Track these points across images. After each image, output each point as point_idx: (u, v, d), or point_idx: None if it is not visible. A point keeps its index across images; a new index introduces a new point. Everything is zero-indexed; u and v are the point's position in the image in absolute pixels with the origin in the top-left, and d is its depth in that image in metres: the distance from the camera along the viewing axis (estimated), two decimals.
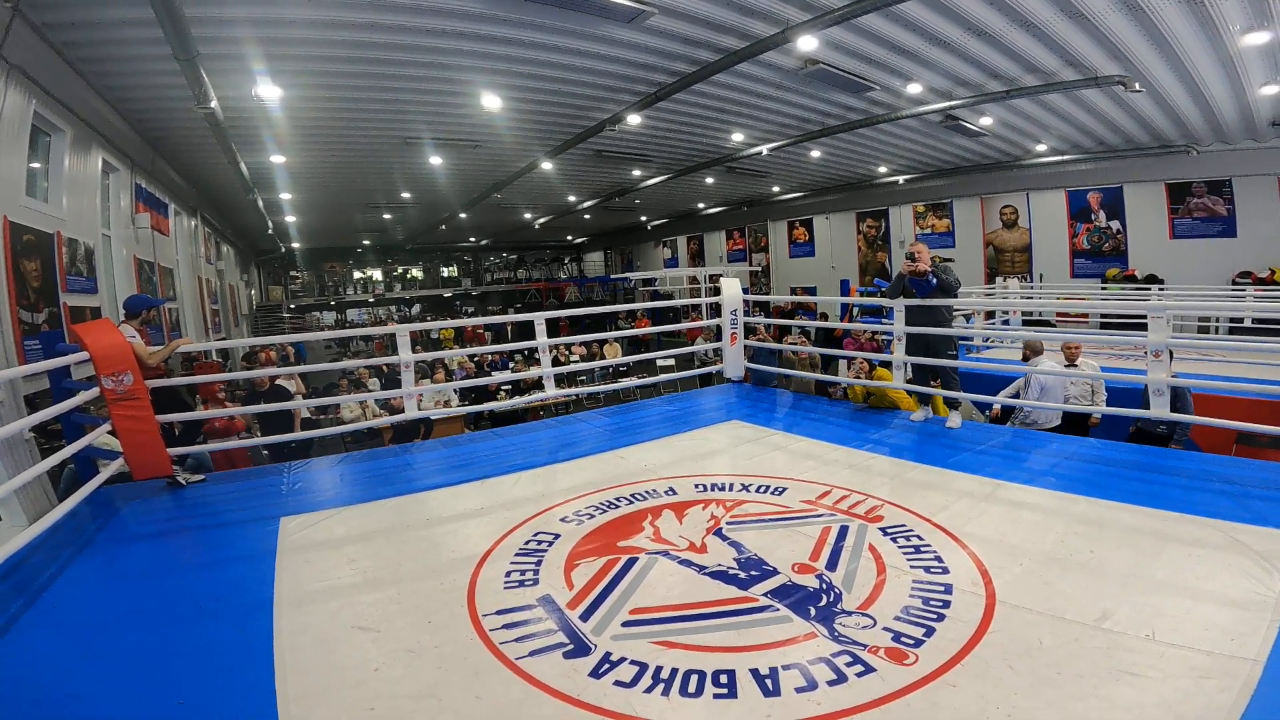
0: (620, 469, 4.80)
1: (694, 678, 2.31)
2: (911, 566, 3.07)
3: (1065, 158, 14.78)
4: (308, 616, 2.83)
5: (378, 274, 33.82)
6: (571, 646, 2.54)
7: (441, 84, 9.11)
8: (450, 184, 16.27)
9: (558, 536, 3.60)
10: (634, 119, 10.82)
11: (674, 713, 2.15)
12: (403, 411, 5.82)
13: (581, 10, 7.00)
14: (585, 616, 2.76)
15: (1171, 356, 4.89)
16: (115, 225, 9.12)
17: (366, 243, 30.61)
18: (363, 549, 3.56)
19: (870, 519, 3.65)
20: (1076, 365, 6.32)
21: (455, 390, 9.44)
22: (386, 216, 22.24)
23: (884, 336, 7.50)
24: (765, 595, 2.87)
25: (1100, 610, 2.60)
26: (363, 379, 9.87)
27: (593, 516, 3.88)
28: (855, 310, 12.77)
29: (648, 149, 14.25)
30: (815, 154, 15.14)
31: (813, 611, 2.72)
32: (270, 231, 21.53)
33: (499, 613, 2.80)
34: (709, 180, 18.57)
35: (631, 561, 3.25)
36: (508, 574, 3.17)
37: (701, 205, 24.72)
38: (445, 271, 35.29)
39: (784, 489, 4.20)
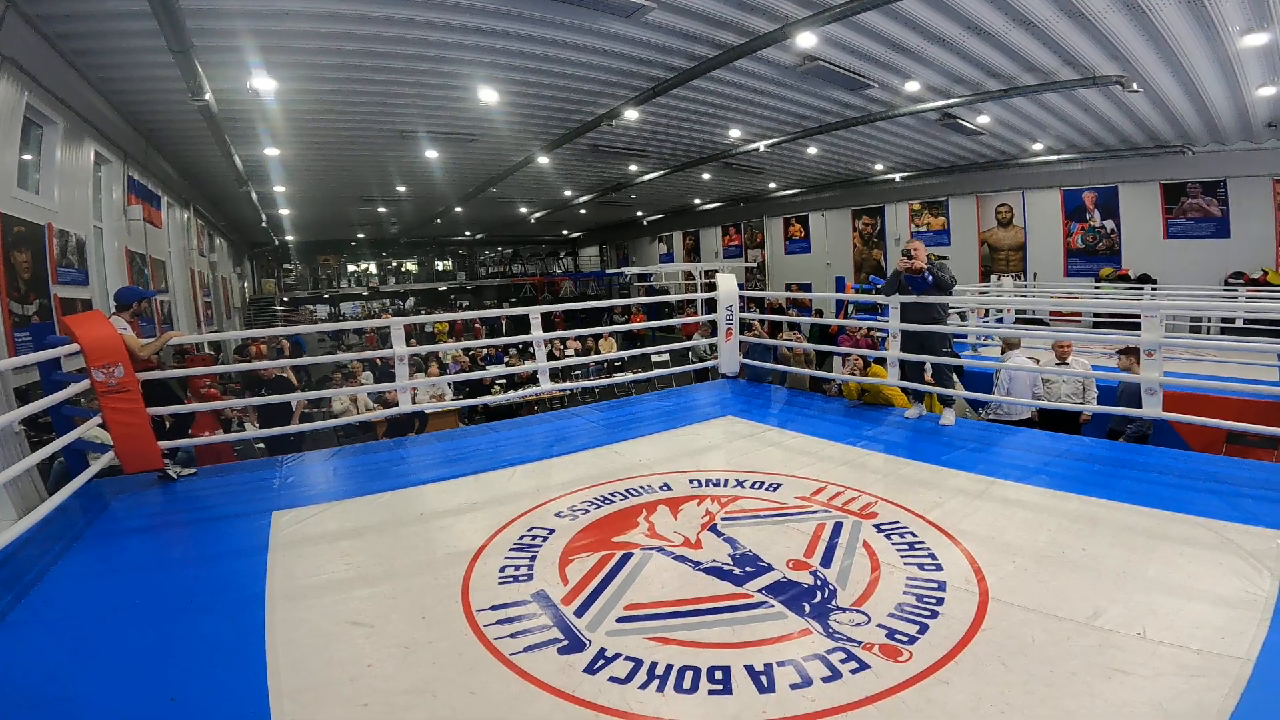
0: (615, 464, 4.80)
1: (689, 674, 2.31)
2: (905, 563, 3.08)
3: (1061, 157, 14.83)
4: (301, 612, 2.82)
5: (372, 267, 33.66)
6: (566, 642, 2.53)
7: (438, 77, 9.06)
8: (446, 178, 16.20)
9: (552, 532, 3.60)
10: (631, 114, 10.78)
11: (669, 709, 2.15)
12: (396, 405, 5.79)
13: (581, 4, 6.97)
14: (580, 612, 2.75)
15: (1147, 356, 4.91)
16: (107, 217, 9.05)
17: (361, 236, 30.45)
18: (356, 544, 3.54)
19: (864, 515, 3.66)
20: (1067, 363, 6.34)
21: (449, 384, 9.41)
22: (381, 210, 22.12)
23: (879, 333, 7.51)
24: (760, 591, 2.87)
25: (1092, 608, 2.61)
26: (356, 372, 9.83)
27: (587, 512, 3.88)
28: (850, 307, 12.80)
29: (645, 144, 14.21)
30: (812, 151, 15.13)
31: (807, 608, 2.72)
32: (264, 224, 21.39)
33: (493, 608, 2.80)
34: (705, 176, 18.54)
35: (626, 557, 3.25)
36: (502, 569, 3.16)
37: (698, 201, 24.69)
38: (440, 265, 35.14)
39: (779, 485, 4.20)
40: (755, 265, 24.41)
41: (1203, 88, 9.63)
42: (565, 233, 35.39)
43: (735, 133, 13.29)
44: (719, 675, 2.30)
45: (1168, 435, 5.83)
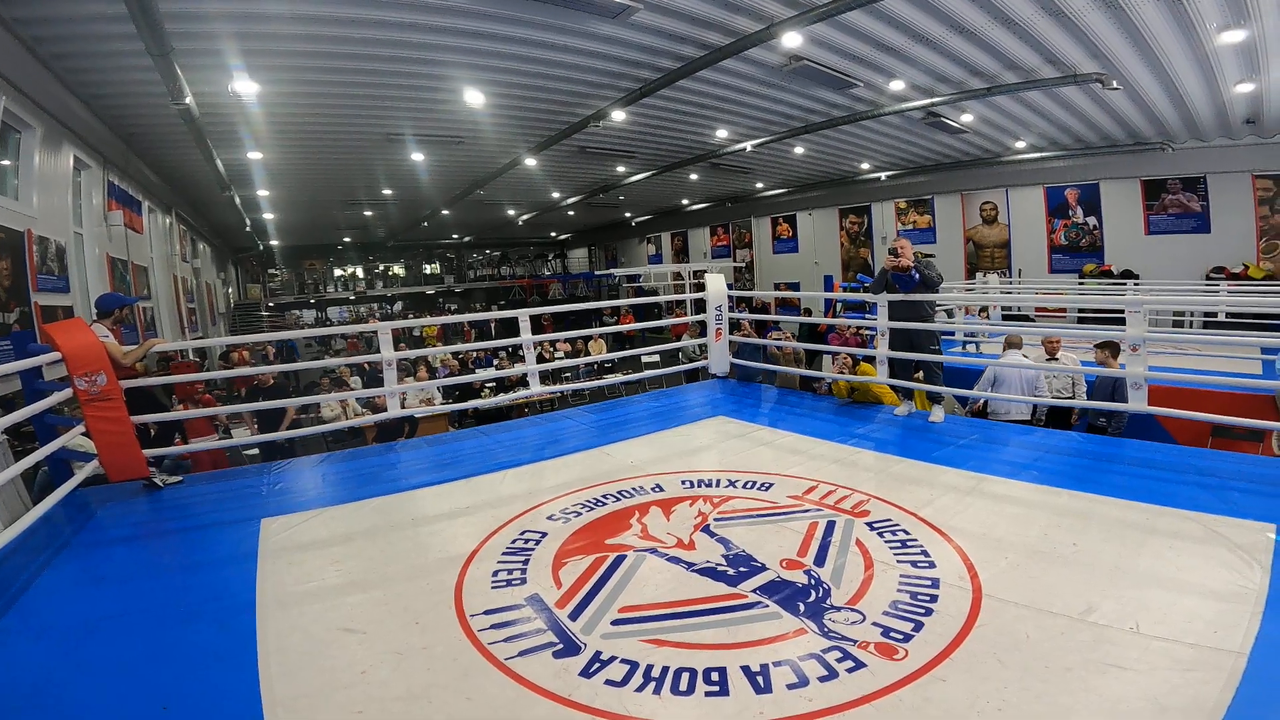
0: (607, 466, 4.78)
1: (685, 676, 2.30)
2: (899, 561, 3.09)
3: (1044, 155, 14.97)
4: (292, 619, 2.78)
5: (359, 271, 33.44)
6: (561, 646, 2.52)
7: (424, 79, 9.02)
8: (432, 180, 16.12)
9: (545, 535, 3.57)
10: (618, 115, 10.78)
11: (666, 711, 2.14)
12: (385, 410, 5.75)
13: (567, 5, 6.96)
14: (574, 615, 2.74)
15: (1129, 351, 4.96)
16: (87, 223, 8.94)
17: (347, 240, 30.26)
18: (347, 550, 3.51)
19: (857, 514, 3.66)
20: (1057, 359, 6.39)
21: (439, 388, 9.36)
22: (368, 213, 21.98)
23: (868, 331, 7.53)
24: (754, 591, 2.86)
25: (1085, 603, 2.62)
26: (344, 377, 9.76)
27: (580, 514, 3.86)
28: (839, 306, 12.84)
29: (632, 145, 14.21)
30: (799, 150, 15.19)
31: (802, 607, 2.72)
32: (248, 229, 21.21)
33: (487, 612, 2.78)
34: (693, 176, 18.57)
35: (620, 559, 3.23)
36: (495, 573, 3.14)
37: (686, 201, 24.72)
38: (428, 268, 35.00)
39: (771, 484, 4.20)
40: (744, 265, 24.48)
41: (1182, 85, 9.76)
42: (553, 234, 35.33)
43: (722, 133, 13.32)
44: (715, 676, 2.29)
45: (1154, 429, 5.89)
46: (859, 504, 3.80)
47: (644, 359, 12.51)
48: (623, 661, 2.40)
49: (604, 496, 4.13)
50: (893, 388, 6.04)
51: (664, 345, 8.66)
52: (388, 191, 17.85)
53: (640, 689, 2.25)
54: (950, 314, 11.33)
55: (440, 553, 3.42)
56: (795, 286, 21.80)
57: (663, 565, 3.17)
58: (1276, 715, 2.03)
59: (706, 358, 7.67)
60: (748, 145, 13.87)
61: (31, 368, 4.25)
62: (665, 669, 2.34)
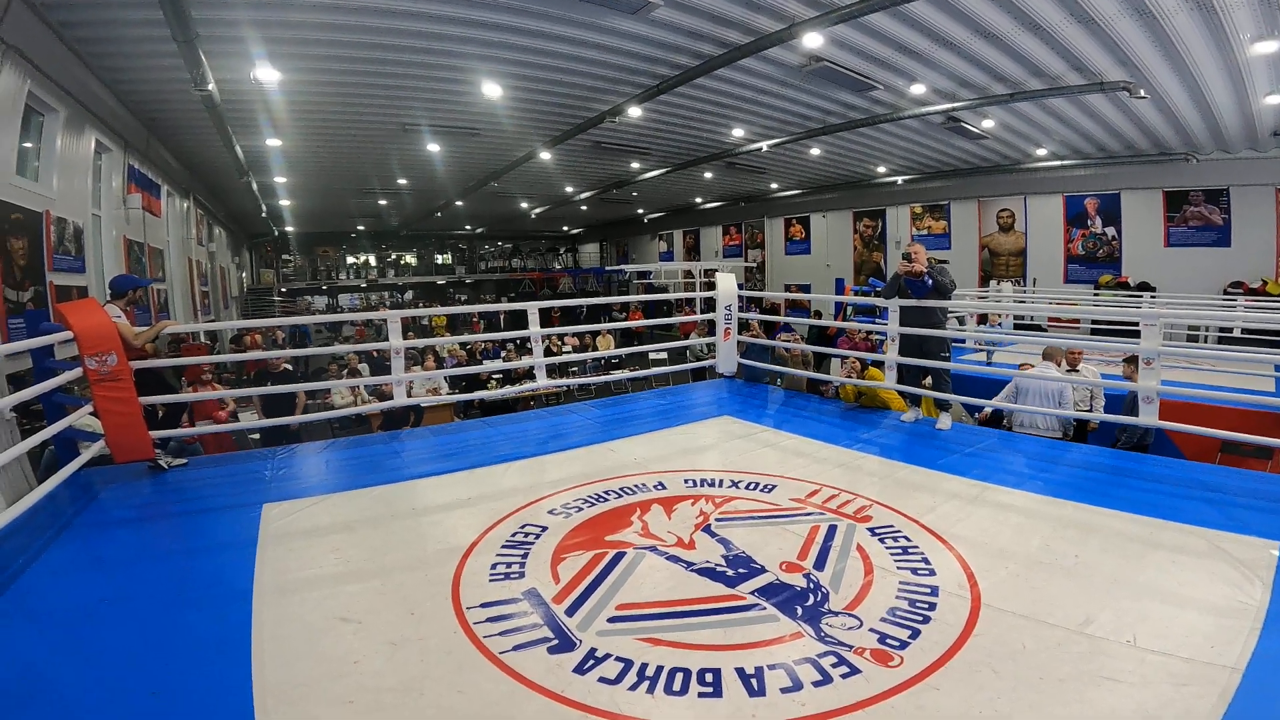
0: (610, 462, 4.79)
1: (679, 676, 2.30)
2: (899, 567, 3.07)
3: (1065, 162, 14.80)
4: (288, 606, 2.80)
5: (371, 259, 33.60)
6: (556, 642, 2.52)
7: (442, 71, 9.03)
8: (447, 171, 16.15)
9: (545, 529, 3.58)
10: (634, 111, 10.75)
11: (659, 711, 2.14)
12: (392, 398, 5.77)
13: (587, 0, 6.93)
14: (571, 611, 2.74)
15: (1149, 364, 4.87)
16: (106, 205, 9.01)
17: (361, 228, 30.36)
18: (346, 538, 3.53)
19: (859, 519, 3.65)
20: (1078, 371, 6.30)
21: (445, 378, 9.40)
22: (382, 202, 22.06)
23: (878, 336, 7.49)
24: (752, 593, 2.86)
25: (1084, 615, 2.61)
26: (352, 364, 9.81)
27: (581, 510, 3.87)
28: (849, 309, 12.78)
29: (647, 142, 14.17)
30: (815, 152, 15.10)
31: (799, 611, 2.71)
32: (263, 214, 21.33)
33: (484, 605, 2.78)
34: (707, 175, 18.51)
35: (619, 556, 3.23)
36: (494, 566, 3.15)
37: (699, 200, 24.65)
38: (439, 259, 35.10)
39: (773, 486, 4.19)
40: (755, 265, 24.39)
41: (1210, 95, 9.61)
42: (565, 229, 35.35)
43: (738, 132, 13.26)
44: (709, 677, 2.28)
45: (1163, 444, 5.82)
46: (861, 509, 3.78)
47: (651, 356, 12.50)
48: (617, 659, 2.40)
49: (606, 493, 4.13)
50: (900, 393, 6.00)
51: (672, 343, 8.65)
52: (402, 181, 17.89)
53: (634, 687, 2.25)
54: (961, 321, 11.25)
55: (440, 544, 3.43)
56: (806, 288, 21.71)
57: (662, 564, 3.17)
58: None
59: (714, 357, 7.65)
60: (764, 145, 13.80)
61: (43, 346, 4.29)
62: (660, 668, 2.34)
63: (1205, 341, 11.17)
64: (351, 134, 12.41)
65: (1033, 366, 7.16)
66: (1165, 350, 4.87)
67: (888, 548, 3.28)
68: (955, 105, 10.66)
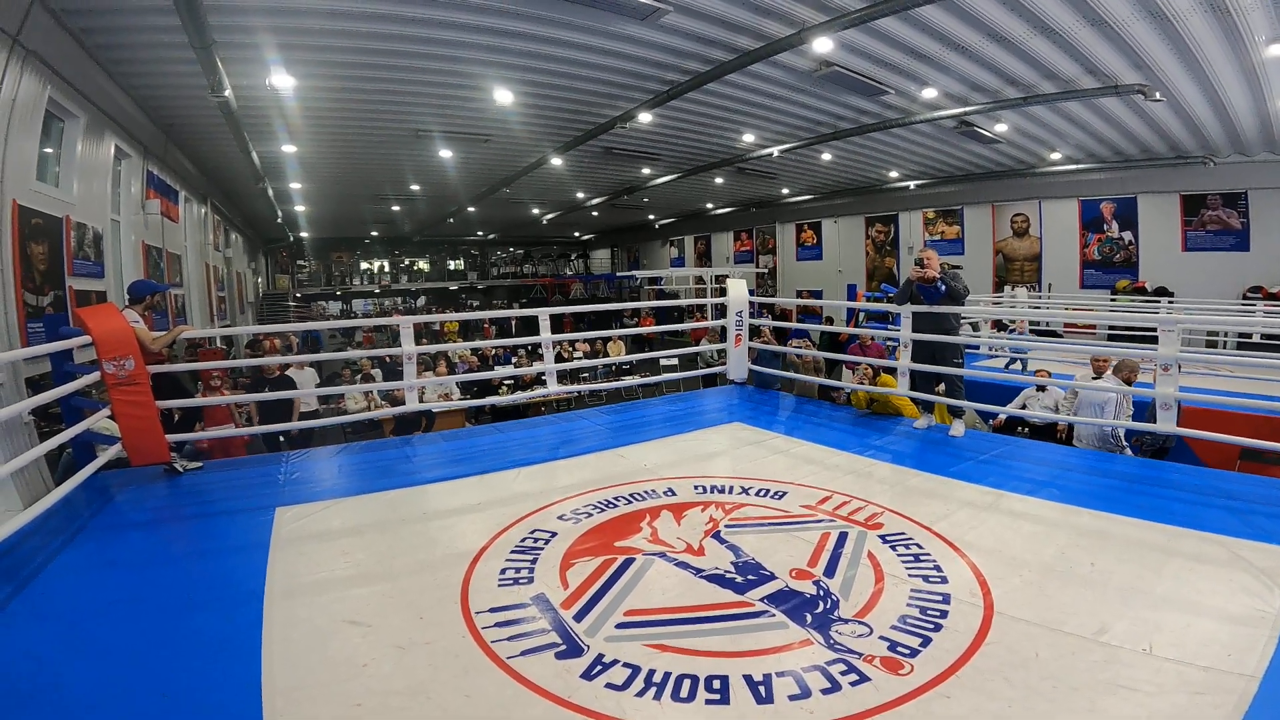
0: (620, 468, 4.78)
1: (687, 682, 2.29)
2: (910, 575, 3.04)
3: (1080, 166, 14.66)
4: (298, 609, 2.82)
5: (384, 265, 33.87)
6: (564, 647, 2.52)
7: (454, 77, 9.10)
8: (459, 177, 16.26)
9: (554, 534, 3.58)
10: (645, 117, 10.78)
11: (665, 717, 2.13)
12: (404, 403, 5.80)
13: (597, 6, 6.97)
14: (579, 617, 2.74)
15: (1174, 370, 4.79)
16: (125, 211, 9.14)
17: (374, 234, 30.64)
18: (357, 542, 3.55)
19: (870, 526, 3.62)
20: (1102, 378, 6.22)
21: (457, 383, 9.44)
22: (395, 208, 22.25)
23: (890, 342, 7.45)
24: (762, 600, 2.84)
25: (1099, 623, 2.57)
26: (365, 369, 9.87)
27: (590, 515, 3.86)
28: (861, 315, 12.72)
29: (658, 147, 14.20)
30: (826, 157, 15.06)
31: (809, 618, 2.69)
32: (279, 220, 21.58)
33: (492, 610, 2.78)
34: (718, 180, 18.51)
35: (628, 562, 3.22)
36: (502, 571, 3.15)
37: (710, 205, 24.66)
38: (452, 264, 35.33)
39: (784, 493, 4.17)
40: (766, 271, 24.32)
41: (1227, 98, 9.51)
42: (576, 234, 35.46)
43: (749, 137, 13.26)
44: (717, 684, 2.27)
45: (1182, 451, 5.74)
46: (872, 516, 3.75)
47: (662, 362, 12.50)
48: (625, 665, 2.39)
49: (615, 499, 4.13)
50: (913, 400, 5.95)
51: (683, 349, 8.63)
52: (415, 187, 18.04)
53: (641, 694, 2.24)
54: (975, 327, 11.16)
55: (449, 548, 3.44)
56: (818, 294, 21.63)
57: (671, 570, 3.15)
58: None
59: (725, 363, 7.64)
60: (775, 150, 13.78)
61: (62, 350, 4.36)
62: (667, 675, 2.33)
63: (1224, 347, 11.02)
64: (365, 140, 12.54)
65: (1049, 374, 7.10)
66: (1183, 356, 4.81)
67: (899, 555, 3.25)
68: (968, 109, 10.61)
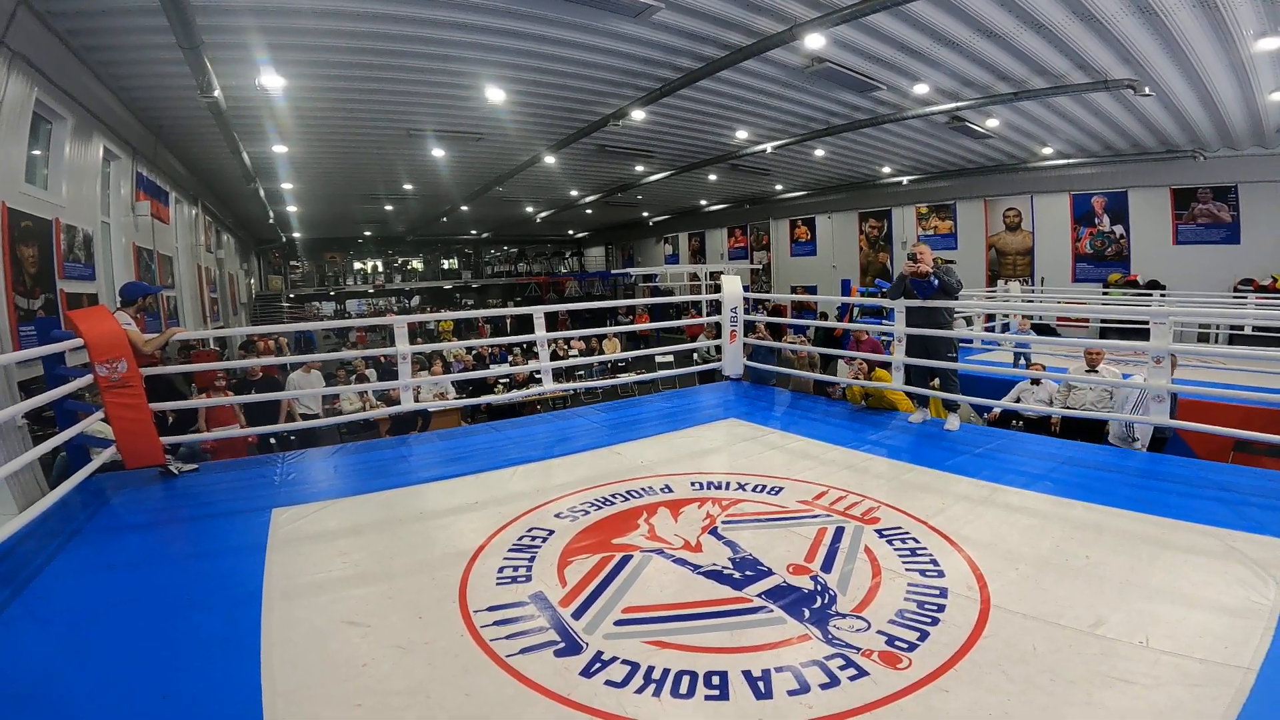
0: (616, 465, 4.78)
1: (686, 679, 2.29)
2: (907, 569, 3.06)
3: (1071, 161, 14.72)
4: (297, 610, 2.81)
5: (378, 265, 33.76)
6: (563, 645, 2.52)
7: (446, 76, 9.07)
8: (452, 176, 16.21)
9: (552, 533, 3.58)
10: (638, 114, 10.76)
11: (665, 714, 2.14)
12: (399, 403, 5.79)
13: (588, 4, 6.96)
14: (578, 614, 2.74)
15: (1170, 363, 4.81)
16: (115, 213, 9.08)
17: (367, 234, 30.54)
18: (354, 542, 3.54)
19: (866, 520, 3.63)
20: (1098, 372, 6.26)
21: (452, 382, 9.42)
22: (388, 208, 22.17)
23: (884, 337, 7.47)
24: (759, 596, 2.85)
25: (1095, 616, 2.58)
26: (360, 370, 9.85)
27: (588, 513, 3.86)
28: (855, 310, 12.75)
29: (651, 145, 14.19)
30: (819, 153, 15.08)
31: (807, 613, 2.70)
32: (271, 221, 21.46)
33: (490, 609, 2.78)
34: (712, 177, 18.50)
35: (626, 559, 3.23)
36: (500, 570, 3.15)
37: (704, 202, 24.65)
38: (445, 264, 35.25)
39: (780, 489, 4.18)
40: (761, 267, 24.36)
41: (1215, 92, 9.55)
42: (571, 232, 35.41)
43: (742, 134, 13.26)
44: (716, 680, 2.28)
45: (1175, 443, 5.78)
46: (869, 510, 3.77)
47: (658, 359, 12.50)
48: (624, 662, 2.40)
49: (612, 496, 4.13)
50: (908, 394, 5.98)
51: (678, 346, 8.63)
52: (408, 186, 17.98)
53: (640, 690, 2.24)
54: (969, 321, 11.20)
55: (447, 548, 3.44)
56: (812, 290, 21.67)
57: (669, 567, 3.16)
58: None
59: (720, 359, 7.64)
60: (768, 147, 13.78)
61: (54, 353, 4.33)
62: (666, 671, 2.33)
63: (1216, 340, 11.09)
64: (357, 140, 12.48)
65: (1043, 368, 7.14)
66: (1175, 349, 4.83)
67: (896, 549, 3.27)
68: (959, 105, 10.63)
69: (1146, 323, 4.98)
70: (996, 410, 6.72)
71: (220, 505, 4.26)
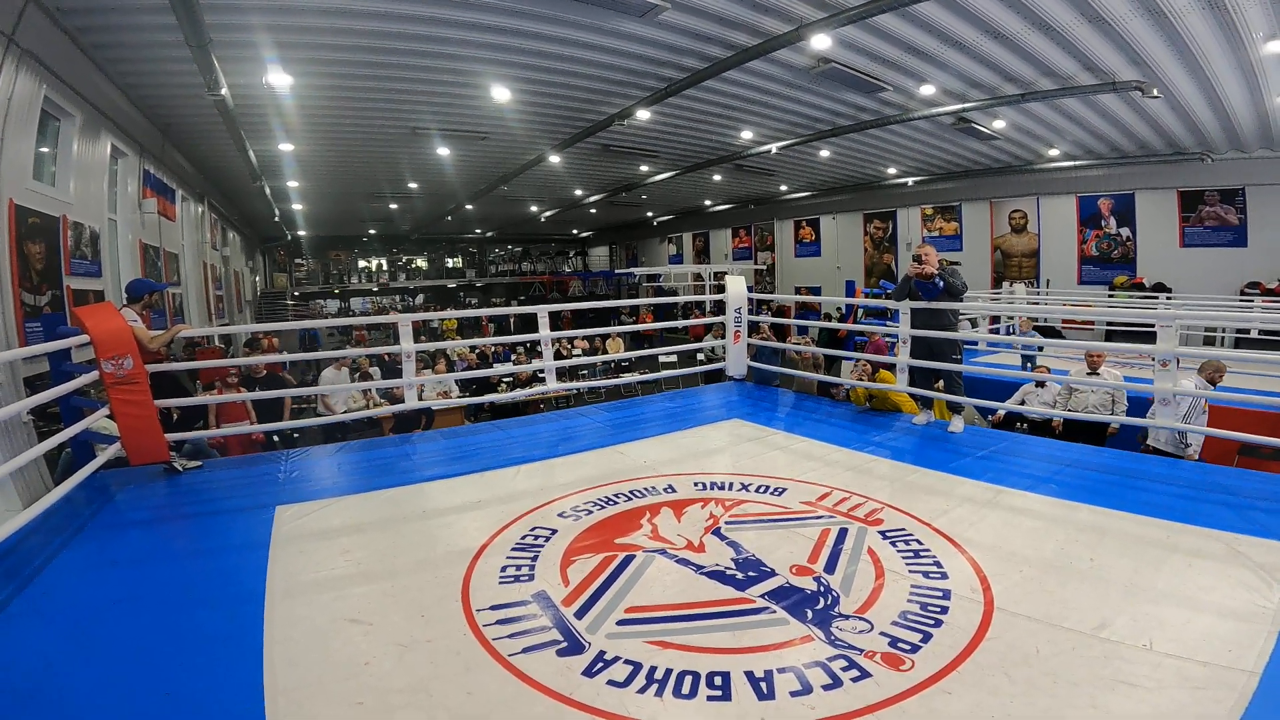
0: (620, 465, 4.78)
1: (688, 679, 2.29)
2: (910, 571, 3.05)
3: (1078, 163, 14.68)
4: (299, 608, 2.81)
5: (383, 263, 33.84)
6: (565, 644, 2.52)
7: (451, 75, 9.08)
8: (457, 175, 16.24)
9: (555, 532, 3.58)
10: (643, 114, 10.76)
11: (667, 714, 2.13)
12: (403, 401, 5.80)
13: (594, 3, 6.96)
14: (580, 614, 2.74)
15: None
16: (122, 210, 9.12)
17: (372, 232, 30.63)
18: (357, 540, 3.54)
19: (870, 522, 3.62)
20: (1099, 374, 6.24)
21: (456, 381, 9.43)
22: (393, 206, 22.22)
23: (889, 338, 7.46)
24: (762, 597, 2.84)
25: (1099, 619, 2.57)
26: (364, 368, 9.86)
27: (591, 512, 3.86)
28: (860, 312, 12.73)
29: (656, 145, 14.19)
30: (824, 153, 15.06)
31: (810, 614, 2.70)
32: (276, 219, 21.54)
33: (493, 608, 2.79)
34: (716, 177, 18.49)
35: (628, 559, 3.23)
36: (503, 569, 3.15)
37: (708, 202, 24.64)
38: (450, 262, 35.32)
39: (784, 489, 4.17)
40: (765, 268, 24.33)
41: (1224, 94, 9.51)
42: (575, 232, 35.44)
43: (747, 134, 13.25)
44: (718, 681, 2.27)
45: None
46: (872, 512, 3.76)
47: (661, 359, 12.49)
48: (626, 662, 2.40)
49: (615, 495, 4.13)
50: (912, 396, 5.96)
51: (682, 346, 8.63)
52: (413, 185, 18.02)
53: (642, 690, 2.24)
54: (974, 323, 11.17)
55: (449, 546, 3.44)
56: (816, 291, 21.63)
57: (671, 567, 3.16)
58: None
59: (724, 359, 7.64)
60: (773, 147, 13.77)
61: (60, 350, 4.34)
62: (669, 671, 2.33)
63: (1222, 343, 11.04)
64: (362, 138, 12.51)
65: (1047, 370, 7.12)
66: (1182, 352, 4.81)
67: (899, 551, 3.26)
68: (965, 106, 10.60)
69: (1152, 325, 4.95)
70: (1001, 412, 6.71)
71: (224, 502, 4.27)
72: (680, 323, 10.02)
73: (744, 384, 7.48)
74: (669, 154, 15.13)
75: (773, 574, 3.04)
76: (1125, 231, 15.04)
